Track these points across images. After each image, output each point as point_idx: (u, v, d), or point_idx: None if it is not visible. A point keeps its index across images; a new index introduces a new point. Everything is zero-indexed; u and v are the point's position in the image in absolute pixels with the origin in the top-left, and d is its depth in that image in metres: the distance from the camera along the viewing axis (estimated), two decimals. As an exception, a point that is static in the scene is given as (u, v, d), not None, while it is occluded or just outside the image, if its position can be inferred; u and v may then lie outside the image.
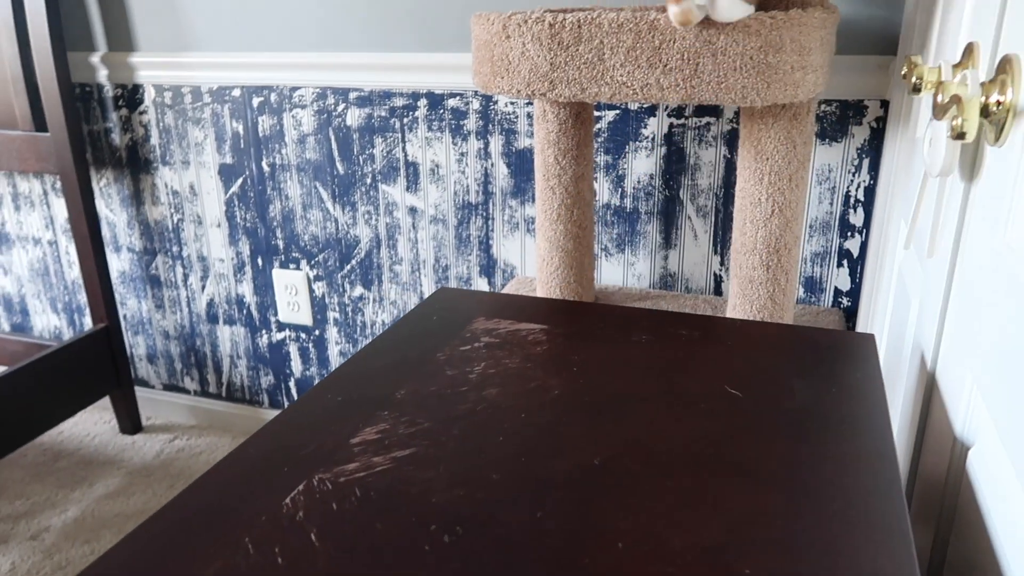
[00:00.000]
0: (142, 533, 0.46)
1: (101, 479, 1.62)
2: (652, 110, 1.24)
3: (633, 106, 1.24)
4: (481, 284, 1.45)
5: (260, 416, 1.76)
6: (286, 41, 1.41)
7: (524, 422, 0.57)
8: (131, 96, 1.57)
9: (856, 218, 1.18)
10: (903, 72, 0.68)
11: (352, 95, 1.40)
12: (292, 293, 1.60)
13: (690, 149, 1.23)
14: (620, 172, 1.28)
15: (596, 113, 1.27)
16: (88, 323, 1.87)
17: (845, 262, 1.21)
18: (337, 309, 1.58)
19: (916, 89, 0.64)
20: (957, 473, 0.55)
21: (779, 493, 0.48)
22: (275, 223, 1.56)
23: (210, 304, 1.70)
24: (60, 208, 1.76)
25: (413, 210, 1.44)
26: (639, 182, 1.28)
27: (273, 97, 1.46)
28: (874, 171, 1.15)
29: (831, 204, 1.19)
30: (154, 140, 1.59)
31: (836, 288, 1.23)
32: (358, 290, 1.55)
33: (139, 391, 1.87)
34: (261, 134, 1.50)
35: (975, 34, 0.63)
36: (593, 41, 0.90)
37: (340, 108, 1.42)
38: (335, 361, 1.64)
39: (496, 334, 0.71)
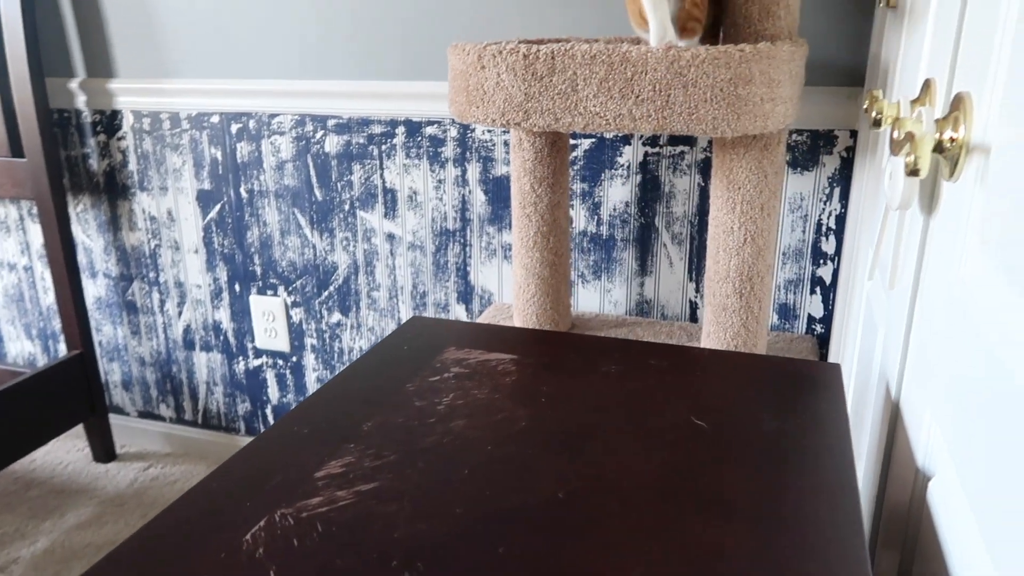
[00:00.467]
0: (97, 573, 0.45)
1: (73, 509, 1.60)
2: (627, 139, 1.25)
3: (608, 135, 1.26)
4: (459, 310, 1.45)
5: (236, 443, 1.74)
6: (265, 68, 1.42)
7: (490, 455, 0.57)
8: (109, 122, 1.57)
9: (828, 246, 1.20)
10: (865, 106, 0.70)
11: (330, 122, 1.41)
12: (269, 319, 1.60)
13: (665, 177, 1.25)
14: (596, 199, 1.30)
15: (572, 141, 1.28)
16: (63, 350, 1.85)
17: (818, 289, 1.22)
18: (315, 335, 1.58)
19: (877, 123, 0.65)
20: (919, 503, 0.56)
21: (741, 525, 0.49)
22: (253, 249, 1.56)
23: (187, 330, 1.69)
24: (36, 234, 1.74)
25: (391, 236, 1.45)
26: (615, 209, 1.29)
27: (252, 124, 1.47)
28: (845, 200, 1.17)
29: (803, 232, 1.20)
30: (132, 166, 1.59)
31: (809, 315, 1.24)
32: (336, 316, 1.55)
33: (113, 418, 1.85)
34: (239, 160, 1.50)
35: (932, 70, 0.64)
36: (567, 72, 0.91)
37: (318, 135, 1.43)
38: (312, 387, 1.63)
39: (466, 364, 0.72)
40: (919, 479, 0.56)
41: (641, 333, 1.22)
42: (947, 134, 0.52)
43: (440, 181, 1.38)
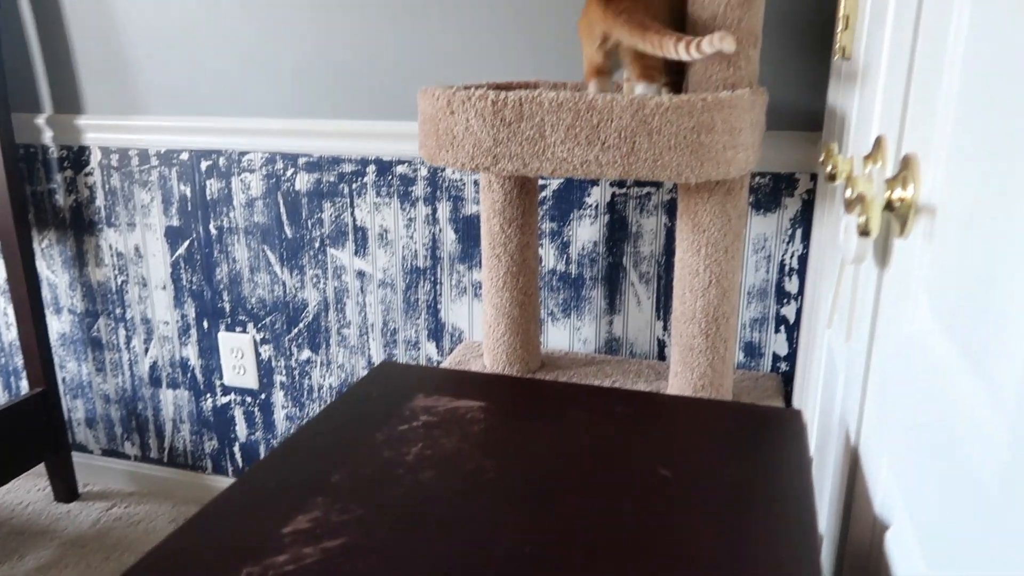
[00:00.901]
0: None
1: (33, 551, 1.56)
2: (595, 180, 1.27)
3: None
4: (429, 348, 1.45)
5: (202, 482, 1.71)
6: (236, 106, 1.43)
7: (458, 508, 0.57)
8: (76, 158, 1.56)
9: (791, 285, 1.22)
10: (821, 158, 0.72)
11: (301, 160, 1.42)
12: (238, 356, 1.58)
13: (632, 217, 1.27)
14: (565, 239, 1.31)
15: (541, 182, 1.30)
16: (25, 387, 1.81)
17: (782, 328, 1.25)
18: (284, 372, 1.57)
19: (832, 177, 0.68)
20: (877, 551, 0.57)
21: (704, 579, 0.49)
22: (222, 286, 1.55)
23: (153, 367, 1.67)
24: (-1, 269, 1.72)
25: (361, 274, 1.45)
26: (584, 249, 1.31)
27: (222, 161, 1.47)
28: (806, 240, 1.20)
29: (767, 272, 1.23)
30: (99, 201, 1.58)
31: (775, 353, 1.26)
32: (305, 353, 1.54)
33: (76, 456, 1.81)
34: (209, 197, 1.50)
35: (884, 127, 0.67)
36: (535, 119, 0.93)
37: (289, 173, 1.43)
38: (281, 425, 1.61)
39: (435, 412, 0.72)
40: (877, 527, 0.57)
41: (610, 371, 1.23)
42: (897, 193, 0.54)
43: (411, 219, 1.39)
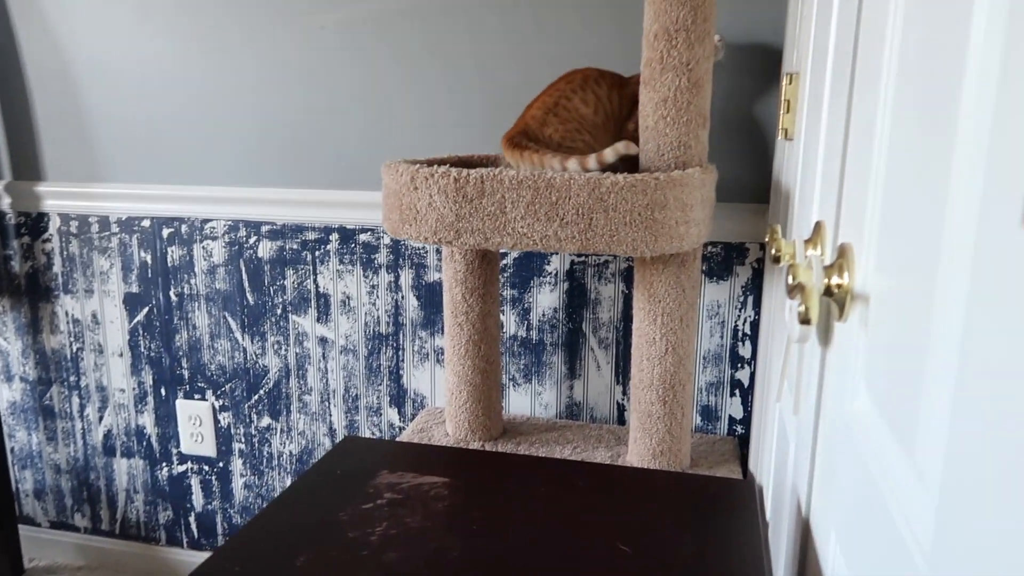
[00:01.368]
0: None
1: (-27, 633, 1.49)
2: (555, 248, 1.31)
3: (537, 244, 1.31)
4: (391, 414, 1.46)
5: (155, 554, 1.67)
6: (198, 174, 1.44)
7: (423, 588, 0.58)
8: (35, 224, 1.55)
9: (745, 350, 1.27)
10: (766, 238, 0.76)
11: (264, 228, 1.43)
12: (196, 424, 1.56)
13: (591, 285, 1.31)
14: (526, 305, 1.34)
15: (502, 250, 1.33)
16: (-30, 457, 1.75)
17: (737, 391, 1.28)
18: (243, 440, 1.55)
19: (776, 259, 0.72)
20: (829, 623, 0.59)
21: (664, 657, 0.51)
22: (181, 352, 1.54)
23: (107, 436, 1.63)
24: (-52, 336, 1.68)
25: (323, 340, 1.45)
26: (544, 315, 1.34)
27: (184, 228, 1.47)
28: (758, 307, 1.25)
29: (721, 337, 1.27)
30: (57, 268, 1.56)
31: (731, 416, 1.30)
32: (265, 420, 1.53)
33: (23, 529, 1.75)
34: (170, 264, 1.50)
35: (823, 212, 0.71)
36: (495, 195, 0.96)
37: (252, 240, 1.44)
38: (239, 494, 1.58)
39: (399, 489, 0.73)
40: (828, 599, 0.60)
41: (571, 437, 1.25)
42: (834, 280, 0.58)
43: (374, 286, 1.40)
